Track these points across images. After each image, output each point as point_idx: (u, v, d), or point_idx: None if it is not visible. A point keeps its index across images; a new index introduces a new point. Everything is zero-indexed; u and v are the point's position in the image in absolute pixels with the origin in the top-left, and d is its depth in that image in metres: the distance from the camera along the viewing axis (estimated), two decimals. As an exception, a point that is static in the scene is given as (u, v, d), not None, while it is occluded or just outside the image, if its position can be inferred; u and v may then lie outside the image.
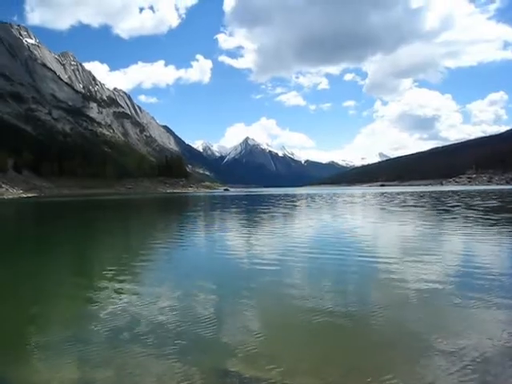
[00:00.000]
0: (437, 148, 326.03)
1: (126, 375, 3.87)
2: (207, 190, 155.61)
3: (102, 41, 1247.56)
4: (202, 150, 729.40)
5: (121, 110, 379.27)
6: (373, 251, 10.12)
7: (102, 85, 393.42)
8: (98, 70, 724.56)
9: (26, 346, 4.61)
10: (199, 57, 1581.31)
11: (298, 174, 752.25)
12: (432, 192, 65.73)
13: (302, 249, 10.45)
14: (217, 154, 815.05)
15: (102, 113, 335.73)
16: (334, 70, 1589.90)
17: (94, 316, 5.51)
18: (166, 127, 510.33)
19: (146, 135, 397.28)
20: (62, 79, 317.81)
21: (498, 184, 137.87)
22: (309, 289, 6.66)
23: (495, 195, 44.37)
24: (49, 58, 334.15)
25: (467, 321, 5.03)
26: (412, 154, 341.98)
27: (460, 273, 7.54)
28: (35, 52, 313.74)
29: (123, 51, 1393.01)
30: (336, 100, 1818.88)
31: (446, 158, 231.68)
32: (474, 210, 22.59)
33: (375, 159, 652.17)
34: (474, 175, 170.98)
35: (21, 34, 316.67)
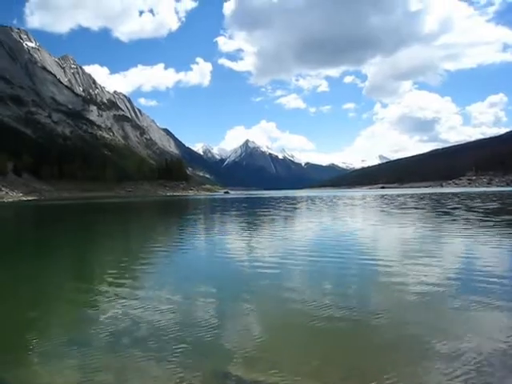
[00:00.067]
0: (437, 150, 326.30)
1: (126, 379, 3.86)
2: (207, 193, 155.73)
3: (101, 44, 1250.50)
4: (202, 153, 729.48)
5: (121, 113, 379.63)
6: (373, 254, 10.10)
7: (101, 88, 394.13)
8: (98, 73, 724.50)
9: (26, 349, 4.59)
10: (199, 60, 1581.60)
11: (298, 176, 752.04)
12: (432, 194, 65.70)
13: (302, 251, 10.42)
14: (217, 157, 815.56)
15: (101, 116, 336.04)
16: (333, 72, 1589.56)
17: (94, 320, 5.49)
18: (166, 130, 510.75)
19: (146, 138, 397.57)
20: (61, 82, 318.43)
21: (498, 186, 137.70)
22: (309, 291, 6.64)
23: (495, 197, 44.35)
24: (49, 61, 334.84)
25: (468, 323, 5.01)
26: (412, 156, 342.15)
27: (461, 275, 7.52)
28: (35, 55, 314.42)
29: (123, 54, 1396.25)
30: (336, 102, 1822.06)
31: (446, 159, 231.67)
32: (474, 211, 22.58)
33: (375, 161, 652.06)
34: (474, 177, 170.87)
35: (21, 38, 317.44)
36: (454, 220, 18.02)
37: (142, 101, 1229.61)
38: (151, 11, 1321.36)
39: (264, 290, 6.86)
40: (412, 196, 56.94)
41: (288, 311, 5.67)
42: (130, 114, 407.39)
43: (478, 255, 9.76)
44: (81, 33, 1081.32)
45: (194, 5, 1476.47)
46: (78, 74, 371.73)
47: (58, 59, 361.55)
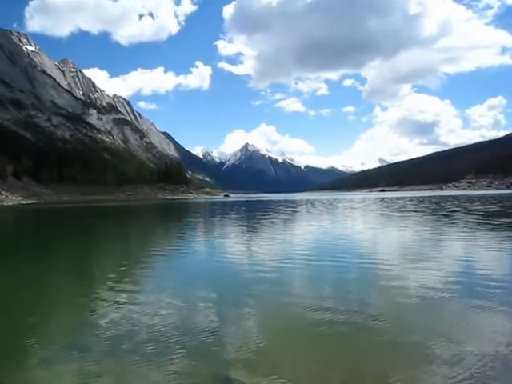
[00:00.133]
0: (436, 153, 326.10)
1: (126, 384, 3.89)
2: (207, 196, 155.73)
3: (101, 47, 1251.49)
4: (201, 156, 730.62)
5: (120, 116, 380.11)
6: (373, 257, 10.09)
7: (101, 91, 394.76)
8: (98, 76, 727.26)
9: (26, 353, 4.59)
10: (199, 63, 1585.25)
11: (298, 179, 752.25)
12: (432, 197, 65.73)
13: (302, 255, 10.41)
14: (217, 160, 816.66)
15: (101, 119, 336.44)
16: (333, 75, 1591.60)
17: (93, 324, 5.48)
18: (165, 133, 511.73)
19: (145, 141, 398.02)
20: (61, 86, 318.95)
21: (497, 189, 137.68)
22: (309, 295, 6.64)
23: (495, 200, 44.37)
24: (48, 64, 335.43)
25: (469, 327, 5.01)
26: (412, 159, 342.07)
27: (460, 279, 7.52)
28: (35, 59, 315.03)
29: (123, 58, 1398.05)
30: (335, 106, 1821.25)
31: (445, 162, 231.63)
32: (474, 214, 22.57)
33: (375, 164, 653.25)
34: (474, 180, 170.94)
35: (21, 41, 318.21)
36: (454, 223, 18.01)
37: (142, 104, 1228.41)
38: (151, 15, 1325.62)
39: (264, 293, 6.85)
40: (412, 199, 56.92)
41: (288, 315, 5.66)
42: (129, 118, 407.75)
43: (478, 258, 9.76)
44: (80, 36, 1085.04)
45: (193, 8, 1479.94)
46: (78, 77, 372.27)
47: (58, 63, 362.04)
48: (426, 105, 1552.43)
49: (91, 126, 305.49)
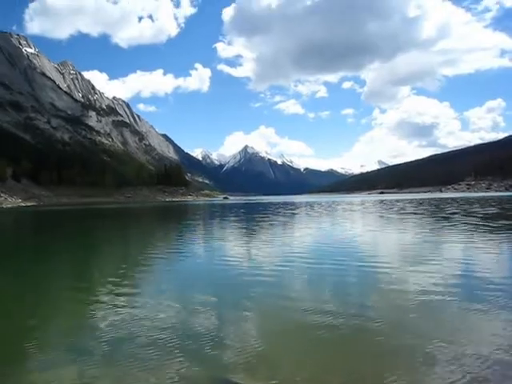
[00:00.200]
0: (435, 155, 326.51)
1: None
2: (206, 199, 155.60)
3: (101, 50, 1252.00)
4: (201, 159, 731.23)
5: (120, 118, 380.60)
6: (372, 260, 10.08)
7: (101, 93, 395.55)
8: (97, 78, 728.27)
9: (25, 356, 4.58)
10: (198, 65, 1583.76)
11: (297, 181, 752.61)
12: (431, 199, 65.72)
13: (301, 258, 10.41)
14: (216, 163, 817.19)
15: (101, 121, 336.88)
16: (332, 78, 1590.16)
17: (92, 328, 5.48)
18: (165, 136, 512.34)
19: (145, 144, 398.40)
20: (61, 88, 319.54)
21: (496, 191, 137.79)
22: (308, 298, 6.64)
23: (494, 202, 44.38)
24: (48, 67, 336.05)
25: (468, 330, 5.01)
26: (411, 162, 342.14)
27: (460, 281, 7.52)
28: (34, 61, 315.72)
29: (122, 60, 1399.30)
30: (334, 108, 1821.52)
31: (444, 165, 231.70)
32: (473, 217, 22.57)
33: (374, 167, 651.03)
34: (473, 182, 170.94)
35: (20, 44, 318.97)
36: (453, 225, 18.01)
37: (141, 106, 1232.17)
38: (150, 17, 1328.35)
39: (263, 296, 6.84)
40: (411, 201, 56.95)
41: (287, 318, 5.65)
42: (128, 120, 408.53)
43: (478, 261, 9.75)
44: (80, 39, 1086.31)
45: (193, 11, 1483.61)
46: (77, 79, 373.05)
47: (58, 65, 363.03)
48: (425, 107, 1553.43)
49: (90, 128, 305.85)
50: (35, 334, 5.32)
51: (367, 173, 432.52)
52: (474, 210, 30.37)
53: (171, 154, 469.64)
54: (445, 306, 5.94)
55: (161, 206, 69.53)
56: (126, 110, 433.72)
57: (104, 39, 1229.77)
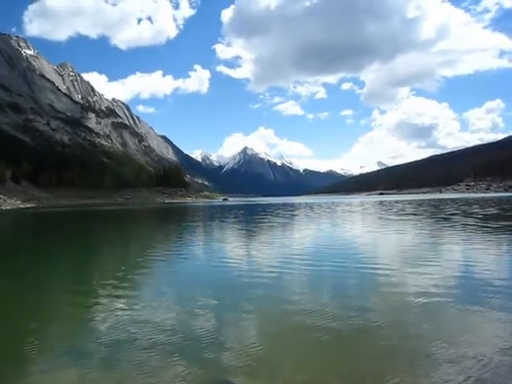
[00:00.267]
0: (435, 156, 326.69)
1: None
2: (206, 200, 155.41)
3: (100, 52, 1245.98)
4: (200, 160, 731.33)
5: (119, 120, 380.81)
6: (372, 261, 10.09)
7: (100, 95, 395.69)
8: (97, 80, 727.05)
9: (25, 359, 4.58)
10: (197, 67, 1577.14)
11: (297, 183, 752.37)
12: (430, 200, 65.76)
13: (300, 260, 10.42)
14: (215, 164, 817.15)
15: (100, 123, 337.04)
16: (331, 79, 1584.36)
17: (92, 330, 5.49)
18: (164, 137, 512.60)
19: (144, 145, 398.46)
20: (60, 90, 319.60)
21: (496, 191, 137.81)
22: (308, 299, 6.64)
23: (493, 202, 44.44)
24: (47, 68, 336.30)
25: (468, 331, 5.00)
26: (410, 163, 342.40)
27: (460, 282, 7.53)
28: (34, 63, 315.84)
29: (121, 62, 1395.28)
30: (334, 109, 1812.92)
31: (444, 165, 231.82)
32: (473, 217, 22.59)
33: (373, 168, 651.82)
34: (473, 183, 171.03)
35: (19, 45, 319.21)
36: (453, 226, 18.02)
37: (141, 108, 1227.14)
38: (149, 19, 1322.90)
39: (263, 298, 6.84)
40: (410, 202, 56.99)
41: (287, 319, 5.65)
42: (128, 122, 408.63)
43: (477, 262, 9.74)
44: (79, 40, 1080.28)
45: (192, 12, 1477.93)
46: (77, 81, 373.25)
47: (57, 67, 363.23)
48: (424, 108, 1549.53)
49: (90, 130, 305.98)
50: (35, 337, 5.32)
51: (366, 174, 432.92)
52: (473, 210, 30.40)
53: (170, 155, 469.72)
54: (445, 308, 5.94)
55: (160, 208, 69.52)
56: (126, 111, 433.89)
57: (103, 41, 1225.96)
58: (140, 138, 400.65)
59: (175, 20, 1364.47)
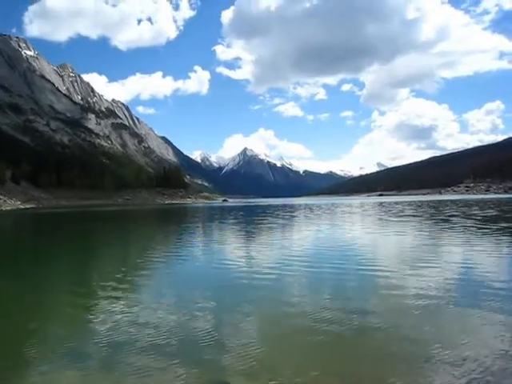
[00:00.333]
0: (434, 157, 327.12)
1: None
2: (206, 201, 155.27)
3: (100, 52, 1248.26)
4: (200, 161, 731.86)
5: (119, 121, 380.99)
6: (372, 263, 10.09)
7: (100, 96, 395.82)
8: (97, 81, 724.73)
9: (24, 360, 4.57)
10: (197, 68, 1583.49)
11: (296, 184, 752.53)
12: (430, 201, 65.76)
13: (300, 261, 10.42)
14: (215, 165, 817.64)
15: (100, 124, 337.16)
16: (331, 80, 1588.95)
17: (91, 331, 5.48)
18: (164, 138, 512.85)
19: (144, 146, 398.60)
20: (60, 91, 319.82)
21: (495, 193, 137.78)
22: (308, 301, 6.64)
23: (493, 204, 44.43)
24: (47, 69, 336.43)
25: (468, 333, 5.00)
26: (410, 164, 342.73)
27: (460, 284, 7.53)
28: (34, 63, 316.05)
29: (121, 63, 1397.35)
30: (333, 110, 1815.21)
31: (443, 167, 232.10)
32: (473, 219, 22.58)
33: (373, 169, 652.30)
34: (472, 184, 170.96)
35: (20, 46, 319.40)
36: (453, 228, 18.01)
37: (140, 109, 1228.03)
38: (149, 20, 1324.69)
39: (262, 300, 6.84)
40: (410, 203, 56.97)
41: (286, 322, 5.65)
42: (128, 122, 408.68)
43: (477, 264, 9.74)
44: (79, 41, 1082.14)
45: (192, 13, 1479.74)
46: (77, 82, 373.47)
47: (57, 67, 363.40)
48: (424, 109, 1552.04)
49: (90, 131, 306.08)
50: (35, 338, 5.32)
51: (366, 175, 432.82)
52: (472, 212, 30.39)
53: (170, 156, 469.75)
54: (444, 310, 5.93)
55: (160, 209, 69.51)
56: (126, 112, 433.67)
57: (103, 42, 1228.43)
58: (140, 138, 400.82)
59: (175, 21, 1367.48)
